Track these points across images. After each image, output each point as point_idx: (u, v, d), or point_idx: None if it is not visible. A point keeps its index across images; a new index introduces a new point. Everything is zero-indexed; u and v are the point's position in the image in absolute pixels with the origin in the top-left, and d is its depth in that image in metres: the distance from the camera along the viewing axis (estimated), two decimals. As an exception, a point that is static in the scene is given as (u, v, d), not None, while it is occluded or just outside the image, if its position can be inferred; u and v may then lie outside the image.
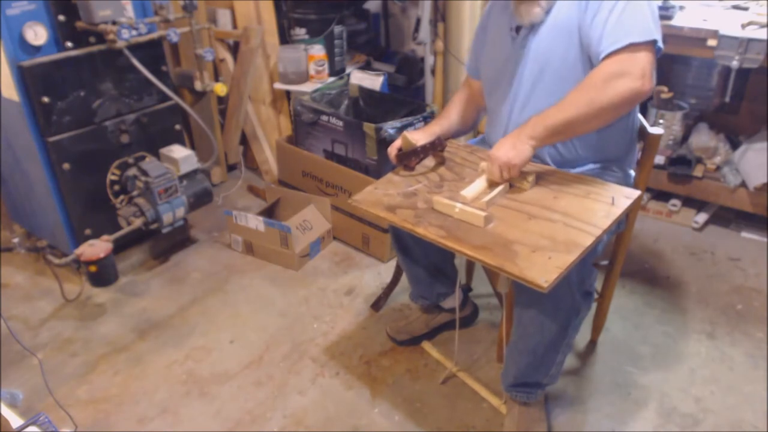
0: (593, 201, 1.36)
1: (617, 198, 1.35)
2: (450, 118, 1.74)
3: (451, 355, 1.88)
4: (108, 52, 2.08)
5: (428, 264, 1.79)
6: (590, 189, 1.40)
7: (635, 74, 1.26)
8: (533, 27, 1.45)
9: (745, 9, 2.31)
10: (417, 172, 1.60)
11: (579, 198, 1.37)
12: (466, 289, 2.04)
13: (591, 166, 1.54)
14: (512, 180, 1.43)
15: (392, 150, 1.65)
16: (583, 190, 1.39)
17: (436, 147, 1.61)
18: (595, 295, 1.56)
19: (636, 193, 1.38)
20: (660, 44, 1.31)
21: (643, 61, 1.27)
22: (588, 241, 1.24)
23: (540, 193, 1.41)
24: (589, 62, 1.40)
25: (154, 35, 2.16)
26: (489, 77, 1.63)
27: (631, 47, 1.27)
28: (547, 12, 1.43)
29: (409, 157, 1.61)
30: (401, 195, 1.50)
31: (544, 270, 1.17)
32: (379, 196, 1.51)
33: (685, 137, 2.63)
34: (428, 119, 2.35)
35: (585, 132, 1.38)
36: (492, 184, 1.43)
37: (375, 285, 2.27)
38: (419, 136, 1.63)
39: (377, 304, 2.13)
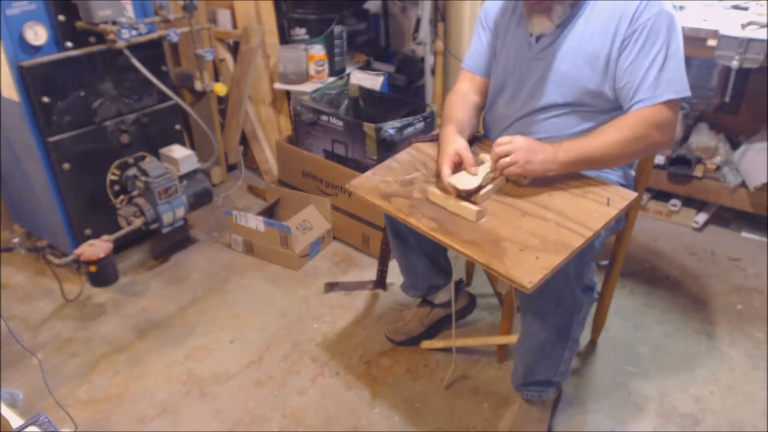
0: (589, 201, 1.35)
1: (612, 199, 1.35)
2: (472, 126, 1.64)
3: (450, 348, 1.88)
4: (108, 52, 2.08)
5: (422, 253, 1.78)
6: (588, 188, 1.39)
7: (669, 131, 1.36)
8: (554, 41, 1.44)
9: (745, 9, 2.31)
10: (417, 161, 1.58)
11: (576, 197, 1.37)
12: (460, 282, 2.02)
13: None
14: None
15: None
16: (580, 189, 1.39)
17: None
18: (597, 292, 1.55)
19: (632, 194, 1.37)
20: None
21: (676, 118, 1.37)
22: (578, 242, 1.23)
23: (537, 189, 1.40)
24: (611, 93, 1.41)
25: (154, 35, 2.16)
26: (498, 80, 1.60)
27: (668, 102, 1.34)
28: (559, 26, 1.41)
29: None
30: (398, 183, 1.49)
31: (529, 270, 1.17)
32: (377, 183, 1.50)
33: (685, 137, 2.63)
34: (428, 119, 2.35)
35: (601, 168, 1.44)
36: (489, 177, 1.42)
37: (375, 285, 2.26)
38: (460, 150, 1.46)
39: (375, 306, 2.13)
